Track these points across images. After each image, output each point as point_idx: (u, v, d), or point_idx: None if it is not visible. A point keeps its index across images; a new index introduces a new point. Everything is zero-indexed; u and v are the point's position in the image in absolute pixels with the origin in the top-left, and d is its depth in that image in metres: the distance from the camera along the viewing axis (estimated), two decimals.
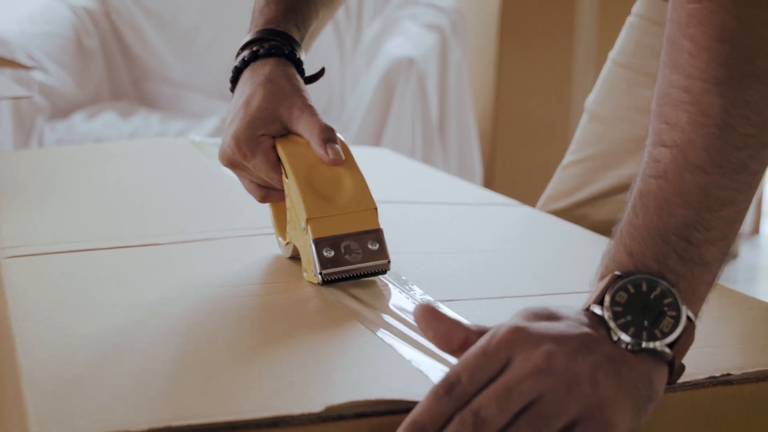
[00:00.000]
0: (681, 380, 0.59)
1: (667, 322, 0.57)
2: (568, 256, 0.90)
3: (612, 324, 0.57)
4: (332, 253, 0.76)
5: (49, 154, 1.40)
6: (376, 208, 0.78)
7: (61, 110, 2.63)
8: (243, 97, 0.83)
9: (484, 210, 1.09)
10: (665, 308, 0.58)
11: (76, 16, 2.82)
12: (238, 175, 0.85)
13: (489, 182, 2.77)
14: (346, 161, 0.79)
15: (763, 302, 0.77)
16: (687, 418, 0.61)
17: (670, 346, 0.57)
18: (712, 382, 0.60)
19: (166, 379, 0.58)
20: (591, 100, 1.13)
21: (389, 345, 0.64)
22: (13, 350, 0.65)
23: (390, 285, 0.77)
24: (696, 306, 0.60)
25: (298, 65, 0.86)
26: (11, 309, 0.71)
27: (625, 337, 0.56)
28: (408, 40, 2.41)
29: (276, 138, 0.81)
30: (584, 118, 1.15)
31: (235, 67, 0.86)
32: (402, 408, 0.55)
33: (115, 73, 2.88)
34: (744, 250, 3.12)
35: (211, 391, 0.57)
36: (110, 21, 2.90)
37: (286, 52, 0.85)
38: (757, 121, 0.61)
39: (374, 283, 0.78)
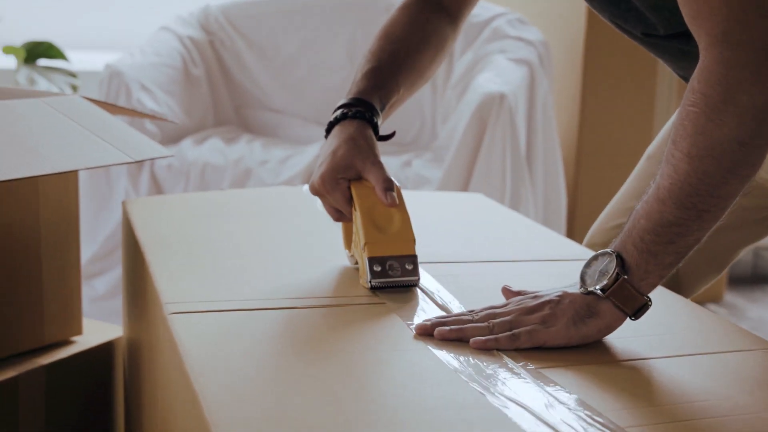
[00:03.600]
0: None
1: (606, 277, 0.93)
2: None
3: (579, 279, 0.96)
4: (379, 269, 1.08)
5: (181, 201, 1.55)
6: (414, 240, 1.09)
7: (171, 137, 2.80)
8: (332, 147, 1.14)
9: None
10: (611, 270, 0.93)
11: (183, 46, 2.99)
12: (322, 201, 1.16)
13: (573, 208, 2.88)
14: (399, 204, 1.10)
15: None
16: None
17: (603, 290, 0.93)
18: None
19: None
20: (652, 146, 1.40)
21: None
22: (199, 405, 0.80)
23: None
24: (645, 281, 0.93)
25: (375, 128, 1.17)
26: (186, 362, 0.86)
27: (581, 287, 0.95)
28: (498, 75, 2.53)
29: (351, 180, 1.13)
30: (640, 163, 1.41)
31: (330, 121, 1.17)
32: None
33: (219, 100, 3.05)
34: None
35: None
36: (215, 50, 3.07)
37: (367, 117, 1.16)
38: (706, 188, 0.90)
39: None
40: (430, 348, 0.92)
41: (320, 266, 1.17)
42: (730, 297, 3.23)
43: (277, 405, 0.78)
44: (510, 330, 0.94)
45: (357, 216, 1.11)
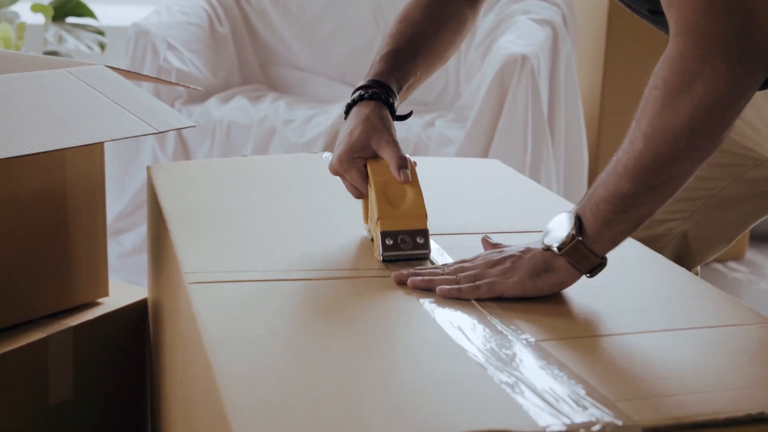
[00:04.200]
0: (724, 417, 0.77)
1: (563, 236, 1.00)
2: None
3: (544, 233, 1.04)
4: (392, 242, 1.13)
5: (204, 168, 1.60)
6: (426, 215, 1.14)
7: (197, 96, 2.84)
8: (349, 128, 1.19)
9: None
10: (567, 231, 1.00)
11: (209, 4, 3.02)
12: (342, 180, 1.22)
13: (594, 168, 2.90)
14: (412, 181, 1.15)
15: None
16: None
17: (559, 248, 1.01)
18: (748, 419, 0.76)
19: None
20: None
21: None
22: (210, 370, 0.84)
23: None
24: (599, 244, 1.00)
25: (392, 108, 1.21)
26: (204, 336, 0.91)
27: (540, 244, 1.03)
28: (521, 36, 2.55)
29: (368, 159, 1.17)
30: None
31: (348, 103, 1.22)
32: None
33: (245, 58, 3.08)
34: None
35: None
36: (240, 9, 3.10)
37: (383, 98, 1.20)
38: (658, 167, 0.97)
39: None
40: (436, 321, 0.96)
41: (338, 237, 1.21)
42: (751, 255, 3.25)
43: (287, 376, 0.83)
44: (474, 282, 1.03)
45: (371, 192, 1.16)
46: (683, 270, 1.15)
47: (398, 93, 1.23)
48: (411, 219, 1.14)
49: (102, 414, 1.49)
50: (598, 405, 0.79)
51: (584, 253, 1.01)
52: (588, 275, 1.02)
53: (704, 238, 1.40)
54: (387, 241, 1.13)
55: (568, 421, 0.76)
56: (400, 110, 1.24)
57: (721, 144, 0.97)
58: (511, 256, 1.04)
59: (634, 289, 1.08)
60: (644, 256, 1.20)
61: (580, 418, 0.76)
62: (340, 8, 3.05)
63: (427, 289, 1.04)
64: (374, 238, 1.16)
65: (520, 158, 2.45)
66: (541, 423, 0.75)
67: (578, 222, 1.01)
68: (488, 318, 0.97)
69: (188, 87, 1.55)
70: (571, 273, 1.02)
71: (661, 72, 0.97)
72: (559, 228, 1.02)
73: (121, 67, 2.77)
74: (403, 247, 1.13)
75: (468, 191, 1.44)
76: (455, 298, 1.01)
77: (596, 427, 0.75)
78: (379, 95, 1.21)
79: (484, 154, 2.45)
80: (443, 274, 1.06)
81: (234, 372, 0.83)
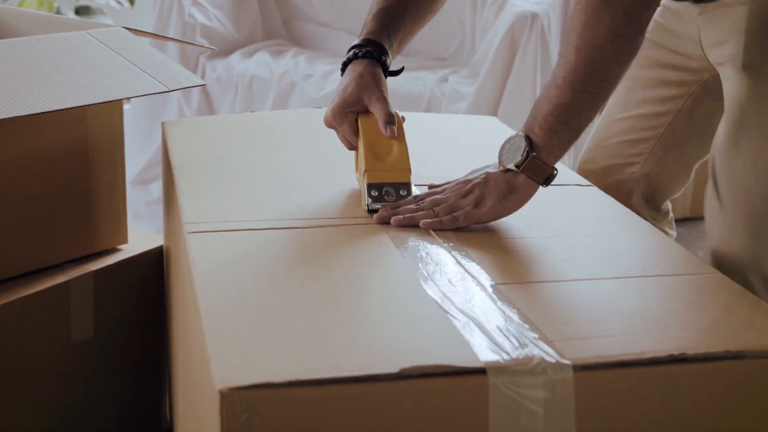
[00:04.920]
0: (648, 357, 0.87)
1: (519, 155, 1.14)
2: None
3: (497, 160, 1.16)
4: (376, 194, 1.22)
5: (213, 124, 1.70)
6: (410, 170, 1.23)
7: (222, 50, 2.94)
8: (343, 84, 1.30)
9: (563, 190, 1.34)
10: (521, 150, 1.14)
11: None
12: (336, 133, 1.33)
13: None
14: (399, 137, 1.25)
15: (738, 287, 1.02)
16: (648, 390, 0.87)
17: (518, 166, 1.14)
18: (670, 359, 0.86)
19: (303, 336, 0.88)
20: None
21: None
22: (198, 311, 0.95)
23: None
24: (551, 154, 1.14)
25: (384, 66, 1.32)
26: (196, 281, 1.02)
27: (499, 166, 1.16)
28: None
29: (359, 114, 1.28)
30: None
31: (343, 61, 1.33)
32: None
33: (268, 13, 3.17)
34: None
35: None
36: None
37: (376, 56, 1.31)
38: (593, 73, 1.11)
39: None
40: (407, 265, 1.06)
41: (331, 189, 1.31)
42: None
43: (263, 315, 0.94)
44: (451, 213, 1.16)
45: (360, 145, 1.26)
46: (647, 224, 1.25)
47: (390, 49, 1.34)
48: (396, 172, 1.24)
49: (120, 351, 1.61)
50: (538, 343, 0.89)
51: (539, 165, 1.15)
52: (543, 185, 1.16)
53: (665, 174, 1.53)
54: (372, 192, 1.22)
55: (507, 357, 0.86)
56: (394, 64, 1.35)
57: (640, 47, 1.13)
58: (477, 185, 1.17)
59: (596, 240, 1.17)
60: (612, 210, 1.29)
61: (517, 354, 0.87)
62: None
63: (409, 225, 1.16)
64: (361, 188, 1.26)
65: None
66: (482, 358, 0.86)
67: (528, 140, 1.14)
68: (455, 262, 1.07)
69: (200, 46, 1.65)
70: (530, 186, 1.16)
71: None
72: (513, 150, 1.15)
73: (150, 20, 2.87)
74: (387, 199, 1.22)
75: (457, 145, 1.54)
76: (438, 230, 1.15)
77: (531, 363, 0.86)
78: (372, 53, 1.31)
79: (494, 109, 2.54)
80: (420, 210, 1.17)
81: (217, 312, 0.94)
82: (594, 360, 0.87)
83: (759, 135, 1.27)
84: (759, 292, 1.26)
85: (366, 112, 1.29)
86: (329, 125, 1.33)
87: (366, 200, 1.23)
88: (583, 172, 1.53)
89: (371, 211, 1.23)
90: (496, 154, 1.19)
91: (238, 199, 1.27)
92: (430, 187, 1.24)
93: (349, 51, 1.33)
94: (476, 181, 1.17)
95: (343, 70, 1.34)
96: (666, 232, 1.57)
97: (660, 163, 1.51)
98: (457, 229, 1.16)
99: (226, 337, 0.89)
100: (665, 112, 1.48)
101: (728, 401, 0.89)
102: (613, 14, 1.09)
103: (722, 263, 1.29)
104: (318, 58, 2.93)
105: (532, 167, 1.14)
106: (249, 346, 0.87)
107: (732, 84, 1.31)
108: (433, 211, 1.16)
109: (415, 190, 1.26)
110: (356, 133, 1.29)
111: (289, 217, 1.20)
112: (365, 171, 1.24)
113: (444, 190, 1.19)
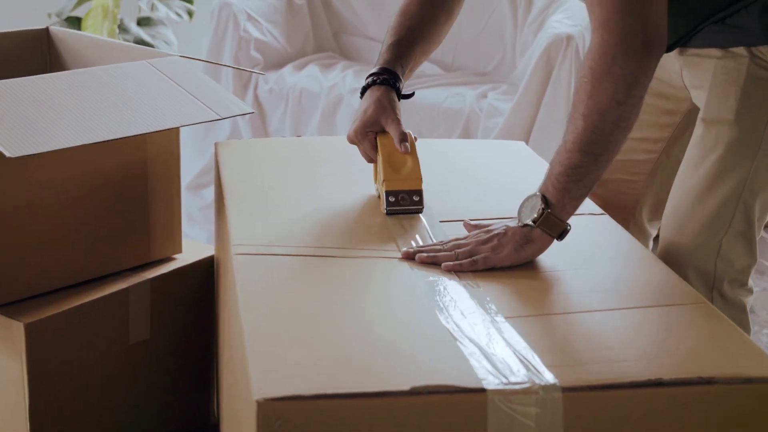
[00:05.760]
0: (629, 380, 0.99)
1: (535, 212, 1.28)
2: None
3: (517, 216, 1.30)
4: (393, 200, 1.44)
5: (265, 146, 1.84)
6: (421, 179, 1.45)
7: (274, 63, 3.09)
8: (363, 107, 1.51)
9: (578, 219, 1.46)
10: (537, 208, 1.28)
11: None
12: (358, 148, 1.53)
13: None
14: (411, 152, 1.46)
15: (722, 315, 1.14)
16: (629, 410, 1.00)
17: (534, 222, 1.27)
18: (648, 383, 0.99)
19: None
20: None
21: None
22: (241, 330, 1.09)
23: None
24: (564, 211, 1.28)
25: (398, 91, 1.52)
26: (240, 299, 1.16)
27: (518, 222, 1.30)
28: (569, 17, 2.73)
29: (378, 133, 1.49)
30: None
31: (363, 86, 1.54)
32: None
33: (319, 28, 3.32)
34: None
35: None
36: None
37: (391, 83, 1.52)
38: (598, 138, 1.24)
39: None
40: (428, 295, 1.19)
41: (366, 219, 1.44)
42: None
43: (296, 335, 1.08)
44: (470, 257, 1.28)
45: (379, 159, 1.48)
46: (649, 254, 1.37)
47: (402, 75, 1.54)
48: (410, 181, 1.45)
49: (174, 351, 1.75)
50: (533, 369, 1.02)
51: (554, 221, 1.28)
52: (558, 239, 1.29)
53: (667, 190, 1.62)
54: (390, 198, 1.44)
55: (505, 380, 1.00)
56: (406, 89, 1.56)
57: (638, 115, 1.25)
58: (497, 235, 1.30)
59: (600, 270, 1.30)
60: (617, 239, 1.42)
61: (514, 377, 1.00)
62: None
63: (431, 263, 1.28)
64: (380, 195, 1.47)
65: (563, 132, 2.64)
66: (483, 380, 0.99)
67: (544, 199, 1.28)
68: (469, 296, 1.20)
69: (248, 71, 1.79)
70: (545, 239, 1.29)
71: (588, 61, 1.25)
72: (530, 207, 1.29)
73: (207, 34, 2.99)
74: (402, 204, 1.45)
75: (486, 175, 1.66)
76: (457, 272, 1.27)
77: (525, 384, 0.99)
78: (388, 81, 1.52)
79: (530, 126, 2.66)
80: (443, 251, 1.31)
81: (257, 329, 1.08)
82: (581, 383, 1.00)
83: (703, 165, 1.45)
84: (694, 284, 1.43)
85: (383, 131, 1.49)
86: (352, 142, 1.54)
87: (385, 205, 1.45)
88: None
89: (389, 214, 1.44)
90: (522, 186, 1.33)
91: (282, 224, 1.40)
92: (465, 224, 1.38)
93: (368, 78, 1.54)
94: (496, 231, 1.31)
95: (362, 93, 1.54)
96: None
97: (661, 180, 1.66)
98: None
99: (264, 353, 1.03)
100: (659, 138, 1.64)
101: (701, 422, 1.02)
102: (616, 84, 1.22)
103: (666, 260, 1.42)
104: (365, 72, 3.02)
105: (547, 222, 1.28)
106: (283, 361, 1.02)
107: (697, 129, 1.47)
108: (455, 253, 1.29)
109: (443, 226, 1.41)
110: (375, 149, 1.50)
111: (327, 245, 1.34)
112: (384, 180, 1.46)
113: (467, 237, 1.33)
